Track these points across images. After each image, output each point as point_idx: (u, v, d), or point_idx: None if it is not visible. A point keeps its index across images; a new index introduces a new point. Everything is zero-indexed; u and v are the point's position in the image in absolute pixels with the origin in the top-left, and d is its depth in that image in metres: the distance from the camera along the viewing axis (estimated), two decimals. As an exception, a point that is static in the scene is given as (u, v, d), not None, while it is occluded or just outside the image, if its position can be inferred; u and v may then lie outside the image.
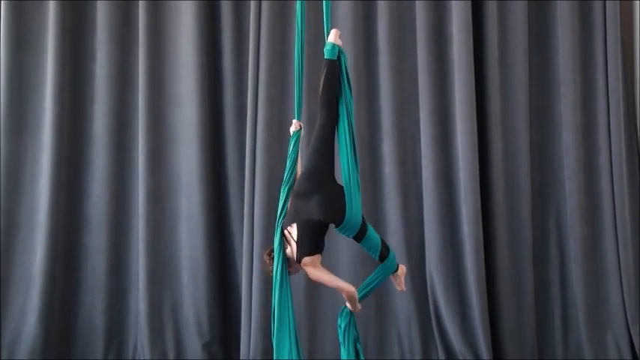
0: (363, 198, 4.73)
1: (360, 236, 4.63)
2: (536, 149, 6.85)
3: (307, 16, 6.79)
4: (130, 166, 7.11)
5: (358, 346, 4.77)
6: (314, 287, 6.66)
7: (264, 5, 6.88)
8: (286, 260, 4.58)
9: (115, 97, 7.11)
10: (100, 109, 7.11)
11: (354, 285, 4.71)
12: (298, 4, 4.86)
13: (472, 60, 6.65)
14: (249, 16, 6.94)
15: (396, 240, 6.72)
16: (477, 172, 6.62)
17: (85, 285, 7.01)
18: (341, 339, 4.76)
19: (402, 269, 4.84)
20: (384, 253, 4.71)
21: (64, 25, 7.05)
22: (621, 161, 6.58)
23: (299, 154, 4.83)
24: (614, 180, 6.61)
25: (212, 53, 7.10)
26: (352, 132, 4.65)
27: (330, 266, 4.85)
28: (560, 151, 6.80)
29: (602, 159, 6.69)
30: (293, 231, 4.57)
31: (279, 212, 4.67)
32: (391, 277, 4.82)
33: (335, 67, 4.69)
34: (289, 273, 4.63)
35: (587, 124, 6.74)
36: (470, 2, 6.72)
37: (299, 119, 4.90)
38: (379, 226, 6.72)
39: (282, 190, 4.72)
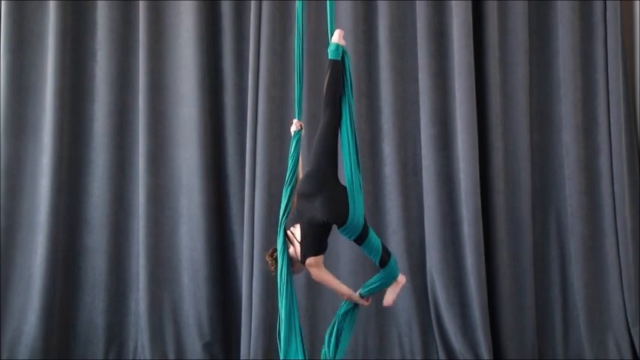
0: (364, 198, 4.73)
1: (361, 239, 4.63)
2: (537, 149, 6.85)
3: (307, 16, 6.83)
4: (130, 167, 7.11)
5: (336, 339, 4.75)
6: (314, 287, 6.66)
7: (265, 5, 6.88)
8: (289, 260, 4.58)
9: (116, 98, 7.11)
10: (100, 110, 7.11)
11: (354, 289, 4.73)
12: (298, 4, 4.87)
13: (472, 60, 6.66)
14: (250, 16, 6.94)
15: (396, 240, 6.73)
16: (478, 172, 6.63)
17: (86, 285, 7.01)
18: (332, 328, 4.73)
19: (403, 280, 4.80)
20: (385, 258, 4.69)
21: (64, 25, 7.05)
22: (622, 161, 6.59)
23: (300, 154, 4.84)
24: (615, 180, 6.61)
25: (212, 53, 7.10)
26: (355, 132, 4.68)
27: (330, 267, 4.85)
28: (560, 152, 6.80)
29: (603, 159, 6.69)
30: (296, 231, 4.57)
31: (281, 213, 4.67)
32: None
33: (339, 67, 4.70)
34: (293, 272, 4.64)
35: (588, 125, 6.74)
36: (470, 2, 6.72)
37: (300, 119, 4.90)
38: (380, 227, 6.73)
39: (284, 191, 4.72)
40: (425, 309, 6.71)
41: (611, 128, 6.65)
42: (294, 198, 4.70)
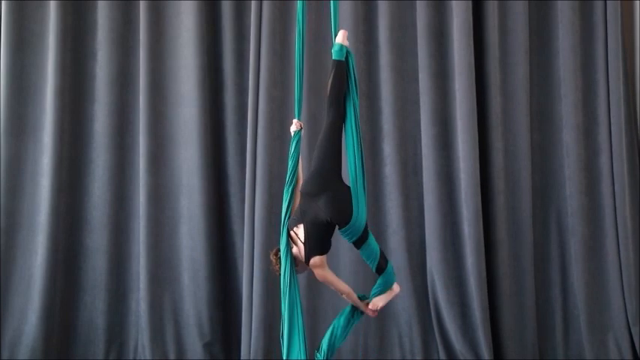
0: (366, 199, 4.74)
1: (361, 241, 4.63)
2: (537, 149, 6.86)
3: (308, 16, 6.83)
4: (130, 167, 7.11)
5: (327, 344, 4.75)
6: (314, 287, 6.67)
7: (265, 5, 6.88)
8: (293, 260, 4.59)
9: (116, 98, 7.11)
10: (100, 110, 7.11)
11: (355, 290, 4.74)
12: (299, 4, 4.87)
13: (473, 60, 6.66)
14: (250, 16, 6.94)
15: (396, 240, 6.73)
16: (478, 172, 6.63)
17: (86, 285, 7.01)
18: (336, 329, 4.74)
19: (397, 289, 4.80)
20: (382, 264, 4.69)
21: (64, 25, 7.06)
22: (622, 161, 6.59)
23: (300, 155, 4.84)
24: (615, 180, 6.61)
25: (213, 54, 7.10)
26: (359, 132, 4.69)
27: (330, 267, 4.83)
28: (560, 152, 6.80)
29: (603, 159, 6.69)
30: (299, 232, 4.58)
31: (284, 213, 4.67)
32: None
33: (343, 67, 4.71)
34: (297, 272, 4.65)
35: (588, 125, 6.75)
36: (470, 2, 6.73)
37: (299, 118, 4.90)
38: (380, 227, 6.73)
39: (285, 191, 4.72)
40: (425, 309, 6.71)
41: (612, 128, 6.65)
42: (297, 198, 4.70)
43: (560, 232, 6.81)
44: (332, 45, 4.79)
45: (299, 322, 4.55)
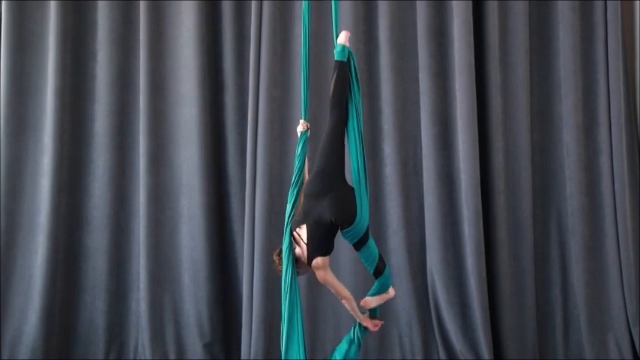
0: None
1: (361, 242, 4.63)
2: (537, 149, 6.85)
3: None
4: (130, 167, 7.11)
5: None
6: (315, 288, 6.66)
7: (265, 5, 6.88)
8: (295, 261, 4.58)
9: (116, 98, 7.11)
10: (100, 110, 7.12)
11: (353, 291, 4.73)
12: (304, 4, 4.86)
13: (473, 60, 6.65)
14: (250, 16, 6.94)
15: (397, 240, 6.73)
16: (478, 172, 6.63)
17: (86, 285, 7.02)
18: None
19: (392, 293, 4.81)
20: (380, 267, 4.70)
21: (65, 25, 7.06)
22: (622, 161, 6.59)
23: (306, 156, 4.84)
24: (615, 180, 6.61)
25: (213, 53, 7.10)
26: (362, 133, 4.70)
27: (331, 268, 4.84)
28: (561, 152, 6.80)
29: (603, 159, 6.69)
30: (302, 232, 4.57)
31: (288, 213, 4.66)
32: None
33: (345, 68, 4.71)
34: (298, 273, 4.65)
35: (588, 125, 6.74)
36: (470, 2, 6.72)
37: (306, 119, 4.89)
38: (380, 227, 6.73)
39: (290, 192, 4.71)
40: (425, 309, 6.71)
41: (612, 128, 6.65)
42: (300, 198, 4.70)
43: (561, 232, 6.81)
44: (333, 45, 4.79)
45: (298, 323, 4.56)
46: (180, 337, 6.87)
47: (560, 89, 6.81)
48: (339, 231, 4.61)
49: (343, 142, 4.69)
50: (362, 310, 4.77)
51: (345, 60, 4.72)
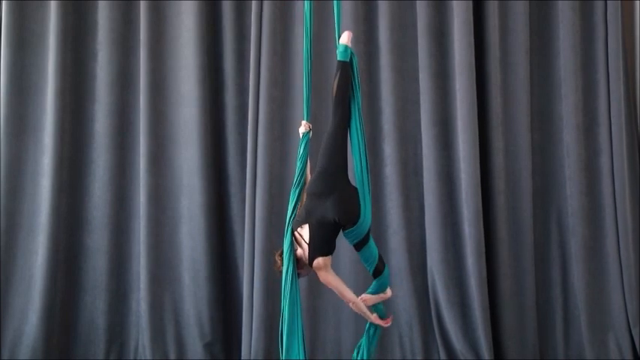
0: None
1: (362, 243, 4.63)
2: (538, 149, 6.85)
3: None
4: (131, 167, 7.11)
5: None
6: (315, 287, 6.67)
7: (266, 5, 6.88)
8: (296, 262, 4.58)
9: (116, 98, 7.11)
10: (101, 110, 7.12)
11: (354, 291, 4.73)
12: (306, 4, 4.86)
13: (473, 60, 6.65)
14: (251, 16, 6.94)
15: (397, 240, 6.73)
16: (478, 172, 6.63)
17: (87, 285, 7.02)
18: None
19: (389, 293, 4.82)
20: (380, 267, 4.70)
21: (65, 25, 7.06)
22: (622, 161, 6.59)
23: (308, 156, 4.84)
24: (615, 180, 6.61)
25: (213, 53, 7.10)
26: (364, 133, 4.72)
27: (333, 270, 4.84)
28: (561, 152, 6.80)
29: (604, 159, 6.69)
30: (304, 232, 4.57)
31: (289, 214, 4.65)
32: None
33: (348, 68, 4.72)
34: (300, 274, 4.64)
35: (588, 125, 6.74)
36: (471, 2, 6.72)
37: (308, 120, 4.89)
38: (380, 227, 6.73)
39: (292, 192, 4.70)
40: (426, 309, 6.71)
41: (612, 128, 6.65)
42: (302, 199, 4.70)
43: (561, 232, 6.81)
44: (333, 46, 4.80)
45: (298, 323, 4.55)
46: (180, 337, 6.88)
47: (560, 89, 6.81)
48: (343, 231, 4.61)
49: (346, 142, 4.70)
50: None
51: (348, 60, 4.73)
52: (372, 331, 4.82)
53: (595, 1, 6.76)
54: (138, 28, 7.10)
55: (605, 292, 6.64)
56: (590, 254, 6.66)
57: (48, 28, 7.09)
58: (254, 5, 6.89)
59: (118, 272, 7.04)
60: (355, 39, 6.73)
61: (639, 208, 6.67)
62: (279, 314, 4.76)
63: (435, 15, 6.78)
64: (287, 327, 4.53)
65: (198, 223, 6.91)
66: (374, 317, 4.75)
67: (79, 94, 7.14)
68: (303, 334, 4.58)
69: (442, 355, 6.58)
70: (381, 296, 4.79)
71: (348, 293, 4.66)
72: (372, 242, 4.67)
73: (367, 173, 4.65)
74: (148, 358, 6.77)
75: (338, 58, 4.74)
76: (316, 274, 4.63)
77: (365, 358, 4.78)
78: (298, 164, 4.74)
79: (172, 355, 6.81)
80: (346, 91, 4.69)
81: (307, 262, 4.57)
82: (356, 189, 4.63)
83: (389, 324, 4.83)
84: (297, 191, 4.69)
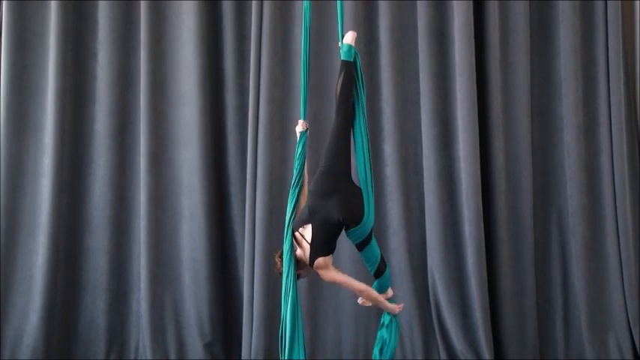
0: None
1: (364, 243, 4.64)
2: (538, 149, 6.85)
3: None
4: (131, 167, 7.12)
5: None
6: (315, 288, 6.67)
7: (266, 5, 6.88)
8: (296, 262, 4.57)
9: (117, 98, 7.12)
10: (101, 110, 7.12)
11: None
12: (305, 4, 4.86)
13: (474, 60, 6.65)
14: (251, 16, 6.94)
15: (397, 240, 6.73)
16: (479, 172, 6.63)
17: (87, 285, 7.02)
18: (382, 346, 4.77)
19: (390, 293, 4.84)
20: (381, 268, 4.71)
21: (65, 25, 7.06)
22: (622, 161, 6.59)
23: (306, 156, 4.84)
24: (616, 180, 6.61)
25: (213, 54, 7.10)
26: (367, 133, 4.71)
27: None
28: (561, 152, 6.80)
29: (604, 159, 6.69)
30: (306, 232, 4.57)
31: (289, 214, 4.64)
32: None
33: (352, 68, 4.72)
34: (300, 275, 4.63)
35: (589, 125, 6.75)
36: (471, 2, 6.72)
37: (305, 119, 4.89)
38: (381, 227, 6.73)
39: (291, 193, 4.69)
40: (426, 309, 6.71)
41: (612, 128, 6.65)
42: (306, 197, 4.70)
43: (561, 232, 6.81)
44: (334, 46, 4.80)
45: (299, 325, 4.55)
46: (180, 337, 6.88)
47: (560, 89, 6.82)
48: (346, 231, 4.61)
49: (349, 141, 4.70)
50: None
51: (352, 60, 4.73)
52: (393, 325, 4.79)
53: (595, 1, 6.76)
54: (138, 28, 7.10)
55: (605, 292, 6.64)
56: (591, 254, 6.66)
57: (48, 28, 7.10)
58: (254, 5, 6.89)
59: (119, 272, 7.04)
60: (356, 39, 6.76)
61: (639, 208, 6.67)
62: (279, 314, 4.76)
63: (436, 15, 6.78)
64: (288, 329, 4.52)
65: (198, 223, 6.91)
66: (387, 304, 4.74)
67: (80, 94, 7.15)
68: (303, 336, 4.57)
69: (442, 355, 6.58)
70: (384, 295, 4.81)
71: (356, 284, 4.67)
72: (374, 242, 4.68)
73: (370, 173, 4.66)
74: (149, 358, 6.78)
75: (342, 58, 4.73)
76: (317, 274, 4.62)
77: (388, 357, 4.76)
78: (296, 164, 4.73)
79: (173, 355, 6.81)
80: (350, 92, 4.69)
81: (308, 262, 4.57)
82: (359, 188, 4.63)
83: (401, 309, 4.81)
84: (297, 191, 4.69)
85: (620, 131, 6.60)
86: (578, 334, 6.66)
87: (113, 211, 7.06)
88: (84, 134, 7.14)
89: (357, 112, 4.70)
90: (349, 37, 4.78)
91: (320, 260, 4.54)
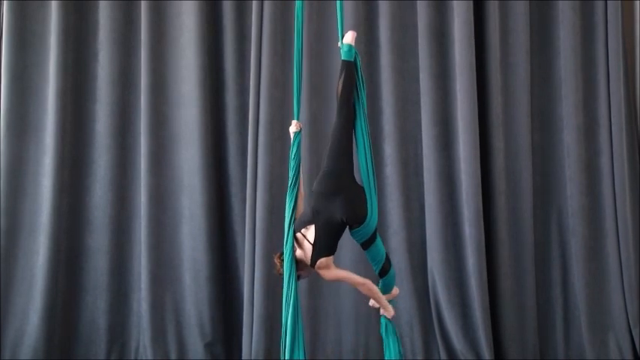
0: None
1: (369, 242, 4.64)
2: (538, 150, 6.86)
3: (310, 17, 6.85)
4: (132, 167, 7.12)
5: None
6: (315, 288, 6.68)
7: (266, 5, 6.89)
8: (296, 263, 4.58)
9: (117, 98, 7.12)
10: (102, 110, 7.12)
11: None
12: (297, 4, 4.86)
13: (474, 61, 6.65)
14: (251, 16, 6.94)
15: (397, 241, 6.74)
16: (479, 172, 6.63)
17: (88, 285, 7.02)
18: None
19: (396, 292, 4.87)
20: (386, 267, 4.71)
21: (66, 25, 7.06)
22: (622, 162, 6.59)
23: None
24: (616, 181, 6.61)
25: (214, 54, 7.11)
26: (369, 133, 4.71)
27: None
28: (561, 152, 6.80)
29: (604, 160, 6.69)
30: (308, 233, 4.57)
31: (289, 216, 4.62)
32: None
33: (353, 68, 4.72)
34: (300, 276, 4.62)
35: (589, 125, 6.74)
36: (471, 3, 6.72)
37: (298, 119, 4.89)
38: (381, 227, 6.71)
39: (289, 194, 4.67)
40: (426, 309, 6.72)
41: (612, 129, 6.65)
42: (303, 198, 4.70)
43: (561, 232, 6.81)
44: (335, 45, 4.80)
45: (299, 326, 4.55)
46: (181, 337, 6.89)
47: (560, 89, 6.81)
48: (350, 230, 4.61)
49: (351, 141, 4.69)
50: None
51: (353, 60, 4.73)
52: (389, 328, 4.81)
53: (595, 1, 6.76)
54: (139, 28, 7.11)
55: (605, 292, 6.65)
56: (591, 254, 6.66)
57: (49, 28, 7.10)
58: (255, 5, 6.89)
59: (119, 272, 7.05)
60: (356, 39, 6.76)
61: (639, 209, 6.67)
62: (279, 314, 4.76)
63: (436, 15, 6.78)
64: (291, 331, 4.51)
65: (199, 223, 6.91)
66: (386, 302, 4.74)
67: (80, 94, 7.15)
68: (303, 337, 4.58)
69: (442, 355, 6.59)
70: (390, 296, 4.83)
71: (357, 278, 4.68)
72: (379, 241, 4.68)
73: (373, 172, 4.66)
74: (149, 358, 6.78)
75: (342, 58, 4.73)
76: (318, 274, 4.62)
77: (394, 357, 4.79)
78: (292, 165, 4.69)
79: (173, 356, 6.82)
80: (351, 92, 4.69)
81: (308, 263, 4.57)
82: (362, 188, 4.63)
83: (393, 317, 4.82)
84: (294, 193, 4.67)
85: (620, 132, 6.60)
86: (578, 334, 6.67)
87: (114, 211, 7.06)
88: (85, 134, 7.15)
89: (357, 111, 4.70)
90: (349, 37, 4.77)
91: (322, 260, 4.54)
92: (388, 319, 4.81)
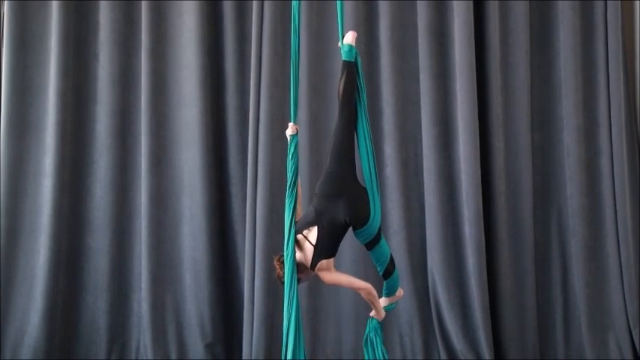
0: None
1: (373, 242, 4.64)
2: (538, 150, 6.86)
3: (310, 17, 6.85)
4: (132, 167, 7.12)
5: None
6: (315, 288, 6.68)
7: (266, 6, 6.89)
8: (297, 266, 4.55)
9: (118, 99, 7.13)
10: (102, 111, 7.13)
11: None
12: (294, 4, 4.86)
13: (474, 61, 6.66)
14: (252, 16, 6.94)
15: (397, 241, 6.73)
16: (479, 172, 6.63)
17: (88, 286, 7.03)
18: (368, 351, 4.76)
19: (401, 293, 4.87)
20: (390, 268, 4.71)
21: (66, 26, 7.07)
22: (622, 162, 6.59)
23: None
24: (616, 181, 6.61)
25: (214, 54, 7.11)
26: (370, 134, 4.70)
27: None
28: (561, 152, 6.80)
29: (604, 160, 6.69)
30: (310, 234, 4.55)
31: (289, 218, 4.57)
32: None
33: (353, 68, 4.71)
34: (300, 280, 4.59)
35: (589, 125, 6.75)
36: (471, 3, 6.72)
37: (295, 121, 4.87)
38: (381, 228, 6.73)
39: (288, 196, 4.62)
40: (426, 309, 6.72)
41: (612, 129, 6.65)
42: (299, 199, 4.69)
43: (561, 232, 6.81)
44: (336, 46, 4.80)
45: (299, 326, 4.55)
46: (181, 337, 6.89)
47: (560, 90, 6.82)
48: (354, 231, 4.60)
49: (353, 141, 4.69)
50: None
51: (353, 60, 4.73)
52: (375, 327, 4.81)
53: (595, 1, 6.76)
54: (139, 28, 7.11)
55: (605, 292, 6.65)
56: (590, 254, 6.66)
57: (49, 28, 7.10)
58: (255, 6, 6.89)
59: (120, 272, 7.05)
60: (356, 39, 6.75)
61: (639, 209, 6.67)
62: (280, 314, 4.76)
63: (436, 15, 6.78)
64: (293, 332, 4.50)
65: (199, 223, 6.92)
66: (380, 306, 4.73)
67: (81, 94, 7.16)
68: (302, 337, 4.57)
69: (442, 355, 6.59)
70: (393, 298, 4.84)
71: (358, 282, 4.68)
72: (383, 242, 4.68)
73: (375, 172, 4.65)
74: (150, 358, 6.79)
75: (343, 58, 4.72)
76: (318, 276, 4.60)
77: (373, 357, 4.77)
78: (290, 166, 4.62)
79: (174, 356, 6.82)
80: (352, 92, 4.68)
81: (309, 265, 4.54)
82: (365, 189, 4.63)
83: (382, 319, 4.82)
84: (294, 195, 4.63)
85: (620, 132, 6.60)
86: (578, 334, 6.67)
87: (114, 212, 7.07)
88: (85, 134, 7.15)
89: (359, 112, 4.69)
90: (349, 37, 4.77)
91: (323, 262, 4.53)
92: (378, 322, 4.78)
